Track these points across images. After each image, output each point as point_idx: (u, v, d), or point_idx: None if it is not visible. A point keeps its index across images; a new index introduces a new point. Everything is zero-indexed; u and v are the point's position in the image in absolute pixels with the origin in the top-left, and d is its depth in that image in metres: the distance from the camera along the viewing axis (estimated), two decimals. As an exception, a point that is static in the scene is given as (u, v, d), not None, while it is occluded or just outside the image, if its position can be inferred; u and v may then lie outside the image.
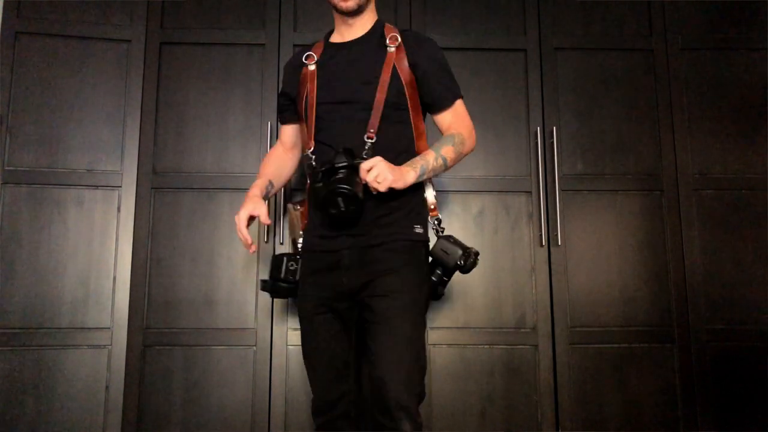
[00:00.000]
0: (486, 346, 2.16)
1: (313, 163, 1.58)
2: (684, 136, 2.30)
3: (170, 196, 2.19)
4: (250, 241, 1.57)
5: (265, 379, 2.09)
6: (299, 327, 1.62)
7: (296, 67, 1.69)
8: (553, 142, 2.24)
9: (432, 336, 2.15)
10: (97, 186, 2.17)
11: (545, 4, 2.35)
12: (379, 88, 1.54)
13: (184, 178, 2.20)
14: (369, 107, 1.54)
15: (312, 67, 1.62)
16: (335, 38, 1.68)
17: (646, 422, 2.13)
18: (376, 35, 1.63)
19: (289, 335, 2.12)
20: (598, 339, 2.17)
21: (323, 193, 1.44)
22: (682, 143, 2.29)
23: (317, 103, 1.59)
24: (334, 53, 1.64)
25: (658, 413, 2.14)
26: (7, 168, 2.13)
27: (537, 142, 2.26)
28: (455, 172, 2.25)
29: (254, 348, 2.12)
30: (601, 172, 2.28)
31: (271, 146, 2.19)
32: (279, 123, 1.81)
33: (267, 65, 2.26)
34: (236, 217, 1.56)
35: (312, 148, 1.60)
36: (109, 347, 2.08)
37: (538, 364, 2.15)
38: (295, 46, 2.25)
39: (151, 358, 2.10)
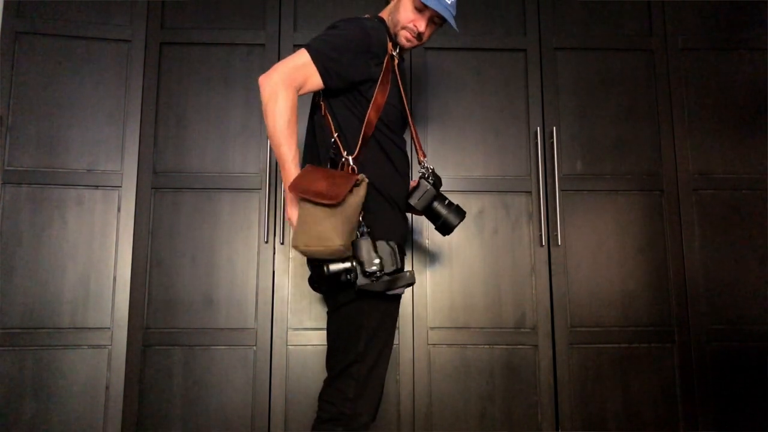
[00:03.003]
0: (486, 346, 2.16)
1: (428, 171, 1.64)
2: (684, 136, 2.30)
3: (170, 196, 2.19)
4: None
5: (265, 379, 2.09)
6: (384, 323, 1.52)
7: (386, 41, 1.57)
8: (553, 142, 2.24)
9: (432, 336, 2.15)
10: (97, 186, 2.17)
11: (545, 4, 2.35)
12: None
13: (184, 178, 2.20)
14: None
15: (397, 61, 1.59)
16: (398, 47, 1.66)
17: (646, 422, 2.13)
18: None
19: (289, 335, 2.13)
20: (598, 339, 2.17)
21: (461, 220, 1.61)
22: (682, 143, 2.29)
23: (409, 111, 1.63)
24: (400, 64, 1.64)
25: (658, 413, 2.14)
26: (7, 168, 2.13)
27: (537, 142, 2.26)
28: (455, 171, 2.25)
29: (254, 348, 2.12)
30: (601, 172, 2.28)
31: (270, 146, 2.18)
32: (329, 73, 1.49)
33: (267, 65, 2.25)
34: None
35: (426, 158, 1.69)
36: (109, 347, 2.08)
37: (538, 364, 2.15)
38: (295, 46, 2.25)
39: (151, 358, 2.10)
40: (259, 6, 2.31)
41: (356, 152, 1.50)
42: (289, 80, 1.45)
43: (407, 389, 2.11)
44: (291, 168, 1.45)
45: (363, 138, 1.51)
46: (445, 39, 2.32)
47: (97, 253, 2.13)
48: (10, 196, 2.12)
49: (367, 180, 1.45)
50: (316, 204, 1.39)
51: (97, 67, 2.22)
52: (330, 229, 1.37)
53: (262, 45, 2.28)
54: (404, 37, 1.61)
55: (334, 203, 1.37)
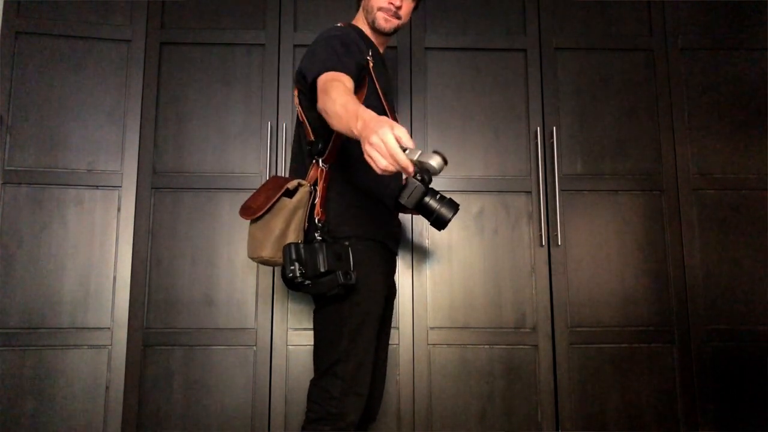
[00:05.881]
0: (486, 346, 2.16)
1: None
2: (684, 136, 2.30)
3: (170, 196, 2.19)
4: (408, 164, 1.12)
5: (265, 379, 2.09)
6: (359, 321, 1.48)
7: (364, 50, 1.58)
8: (553, 142, 2.24)
9: (432, 336, 2.15)
10: (97, 186, 2.17)
11: (545, 4, 2.35)
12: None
13: (184, 178, 2.20)
14: None
15: (371, 64, 1.60)
16: (375, 44, 1.68)
17: (646, 422, 2.13)
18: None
19: (289, 335, 2.12)
20: (598, 339, 2.17)
21: (454, 213, 1.52)
22: (682, 143, 2.29)
23: (390, 111, 1.63)
24: (379, 62, 1.66)
25: (658, 413, 2.14)
26: (7, 168, 2.13)
27: (537, 142, 2.26)
28: (455, 171, 2.25)
29: (254, 348, 2.12)
30: (601, 172, 2.28)
31: (270, 146, 2.19)
32: (346, 66, 1.45)
33: (267, 65, 2.26)
34: (385, 141, 1.09)
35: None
36: (109, 347, 2.08)
37: (538, 364, 2.15)
38: (295, 46, 2.25)
39: (151, 358, 2.10)
40: (259, 6, 2.31)
41: (326, 153, 1.52)
42: (333, 79, 1.38)
43: (407, 389, 2.11)
44: (363, 113, 1.20)
45: (334, 139, 1.52)
46: (445, 39, 2.32)
47: (97, 253, 2.13)
48: (10, 196, 2.12)
49: (306, 184, 1.49)
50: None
51: (97, 67, 2.22)
52: (259, 240, 1.47)
53: (262, 45, 2.27)
54: (382, 18, 1.62)
55: (254, 217, 1.47)
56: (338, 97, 1.29)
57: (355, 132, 1.19)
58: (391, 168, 1.09)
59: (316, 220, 1.48)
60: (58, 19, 2.22)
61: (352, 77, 1.42)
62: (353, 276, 1.41)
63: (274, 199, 1.47)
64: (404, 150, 1.09)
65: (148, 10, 2.26)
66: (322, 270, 1.39)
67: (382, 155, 1.08)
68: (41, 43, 2.21)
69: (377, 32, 1.66)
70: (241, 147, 2.23)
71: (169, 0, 2.29)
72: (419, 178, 1.58)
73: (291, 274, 1.39)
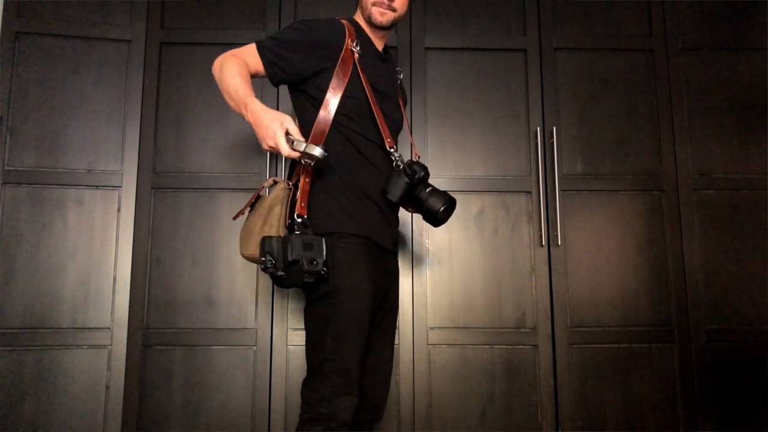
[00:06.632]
0: (486, 346, 2.16)
1: (399, 162, 1.58)
2: (684, 136, 2.30)
3: (170, 196, 2.19)
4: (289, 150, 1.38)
5: (265, 379, 2.09)
6: (345, 315, 1.47)
7: (340, 37, 1.57)
8: (553, 142, 2.24)
9: (432, 336, 2.15)
10: (97, 186, 2.17)
11: (545, 4, 2.35)
12: (403, 111, 1.77)
13: (184, 178, 2.20)
14: (399, 127, 1.73)
15: (357, 56, 1.58)
16: (372, 40, 1.68)
17: (646, 422, 2.13)
18: (388, 54, 1.77)
19: (289, 335, 2.12)
20: (598, 339, 2.17)
21: (444, 204, 1.54)
22: (682, 143, 2.29)
23: (376, 103, 1.60)
24: (372, 56, 1.65)
25: (658, 413, 2.14)
26: (7, 168, 2.13)
27: (537, 142, 2.26)
28: (455, 171, 2.26)
29: (254, 348, 2.12)
30: (601, 172, 2.28)
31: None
32: (272, 65, 1.56)
33: (267, 65, 2.26)
34: (273, 137, 1.37)
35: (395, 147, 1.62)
36: (109, 347, 2.08)
37: (538, 364, 2.15)
38: (295, 46, 2.25)
39: (151, 358, 2.10)
40: (259, 6, 2.31)
41: None
42: (235, 55, 1.55)
43: (407, 389, 2.11)
44: (251, 105, 1.43)
45: (313, 136, 1.51)
46: (445, 39, 2.32)
47: (97, 253, 2.13)
48: (10, 196, 2.12)
49: (282, 181, 1.56)
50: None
51: (97, 67, 2.22)
52: (243, 238, 1.55)
53: (262, 45, 2.27)
54: (378, 12, 1.62)
55: (239, 216, 1.59)
56: (231, 78, 1.48)
57: (246, 119, 1.44)
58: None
59: (296, 216, 1.48)
60: (58, 19, 2.22)
61: (263, 63, 1.54)
62: (319, 262, 1.41)
63: (253, 199, 1.56)
64: (293, 142, 1.36)
65: (148, 10, 2.26)
66: (290, 259, 1.40)
67: (276, 152, 1.39)
68: (41, 43, 2.21)
69: (374, 26, 1.66)
70: (241, 147, 2.23)
71: (169, 0, 2.29)
72: (401, 169, 1.55)
73: (263, 266, 1.43)
